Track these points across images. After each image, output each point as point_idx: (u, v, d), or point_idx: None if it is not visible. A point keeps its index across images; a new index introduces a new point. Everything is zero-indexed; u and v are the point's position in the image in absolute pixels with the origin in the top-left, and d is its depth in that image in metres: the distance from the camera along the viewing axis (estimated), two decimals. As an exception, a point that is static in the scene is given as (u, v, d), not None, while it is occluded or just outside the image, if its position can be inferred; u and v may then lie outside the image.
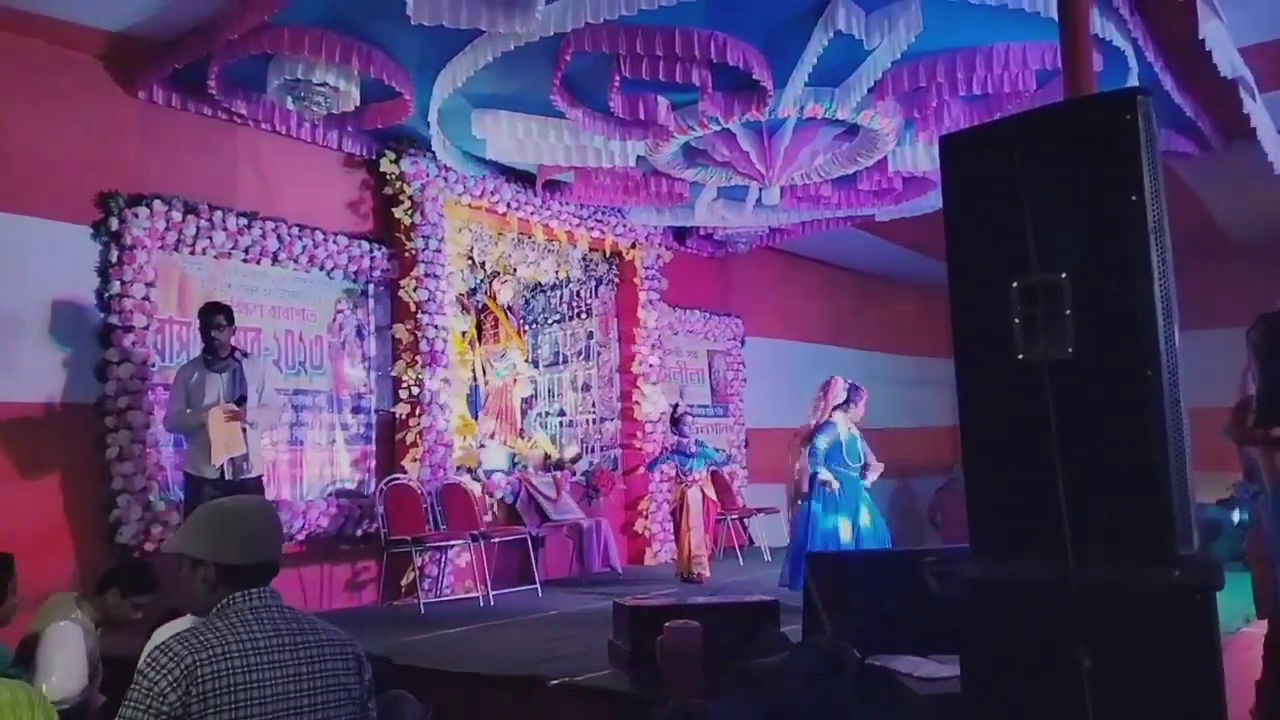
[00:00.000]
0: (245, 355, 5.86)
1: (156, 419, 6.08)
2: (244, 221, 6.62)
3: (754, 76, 5.83)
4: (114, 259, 5.98)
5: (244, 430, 5.55)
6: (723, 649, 3.62)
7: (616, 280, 9.79)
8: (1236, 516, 5.81)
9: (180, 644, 1.96)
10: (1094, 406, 2.26)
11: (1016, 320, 2.33)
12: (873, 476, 6.88)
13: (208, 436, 5.49)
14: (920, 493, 12.42)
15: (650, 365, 9.61)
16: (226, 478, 5.53)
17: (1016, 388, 2.33)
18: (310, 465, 7.08)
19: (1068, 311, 2.28)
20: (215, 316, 5.66)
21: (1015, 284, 2.34)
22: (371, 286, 7.56)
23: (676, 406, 8.85)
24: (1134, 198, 2.23)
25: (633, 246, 9.59)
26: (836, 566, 4.24)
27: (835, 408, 6.90)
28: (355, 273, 7.39)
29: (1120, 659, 2.20)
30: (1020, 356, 2.33)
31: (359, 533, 7.09)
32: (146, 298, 6.07)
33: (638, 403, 9.53)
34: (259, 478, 5.81)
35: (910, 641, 3.41)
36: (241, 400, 5.57)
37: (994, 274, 2.38)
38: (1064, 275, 2.29)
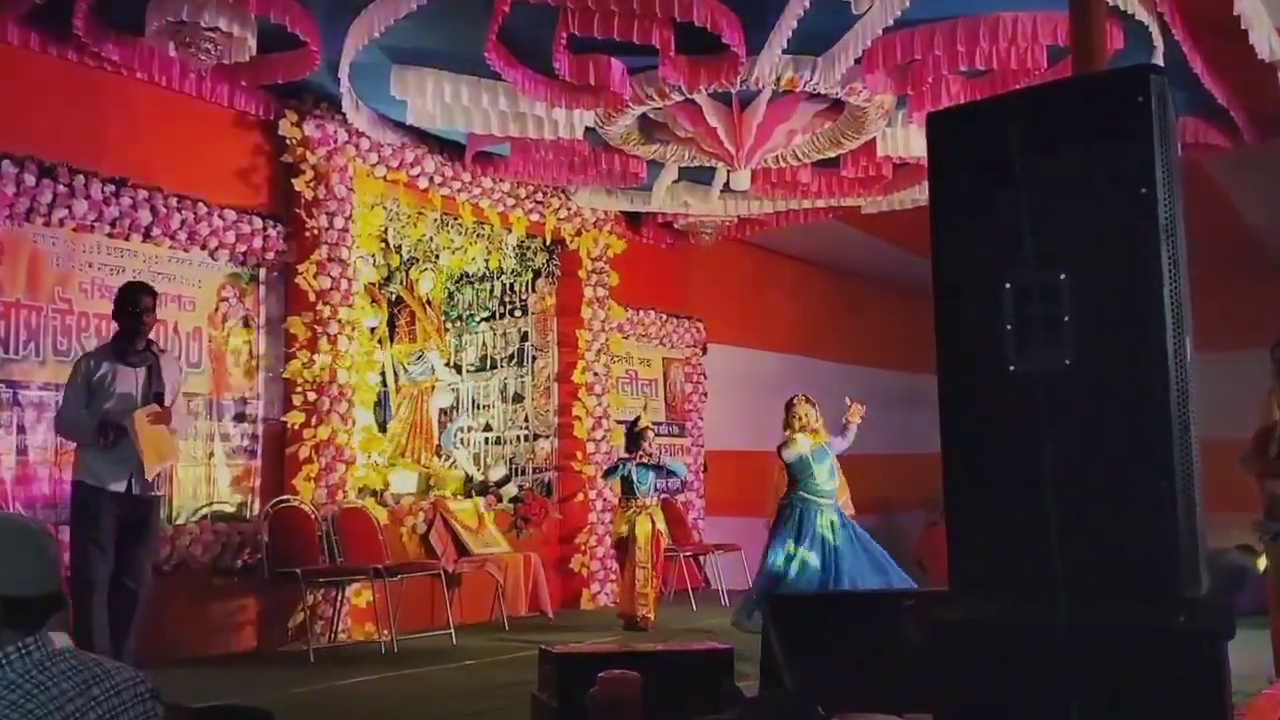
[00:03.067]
0: (163, 350, 5.81)
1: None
2: (111, 189, 6.55)
3: (723, 40, 5.91)
4: (-49, 228, 5.90)
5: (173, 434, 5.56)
6: (666, 704, 3.65)
7: (558, 273, 9.83)
8: (1263, 564, 5.98)
9: None
10: (1093, 426, 2.34)
11: (1008, 326, 2.40)
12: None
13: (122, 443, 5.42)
14: (906, 530, 12.56)
15: (595, 374, 9.65)
16: (134, 492, 5.43)
17: (1006, 402, 2.40)
18: (182, 483, 6.99)
19: (1066, 317, 2.35)
20: (142, 297, 5.55)
21: (1008, 284, 2.41)
22: (263, 271, 7.52)
23: (637, 420, 8.77)
24: (1144, 190, 2.31)
25: (578, 234, 9.64)
26: (799, 609, 4.30)
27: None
28: (244, 254, 7.34)
29: (1116, 714, 2.27)
30: (1011, 367, 2.40)
31: (239, 564, 7.04)
32: (-10, 276, 6.00)
33: (578, 417, 9.55)
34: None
35: (883, 696, 3.48)
36: (159, 399, 5.48)
37: (984, 272, 2.45)
38: (1063, 276, 2.36)
